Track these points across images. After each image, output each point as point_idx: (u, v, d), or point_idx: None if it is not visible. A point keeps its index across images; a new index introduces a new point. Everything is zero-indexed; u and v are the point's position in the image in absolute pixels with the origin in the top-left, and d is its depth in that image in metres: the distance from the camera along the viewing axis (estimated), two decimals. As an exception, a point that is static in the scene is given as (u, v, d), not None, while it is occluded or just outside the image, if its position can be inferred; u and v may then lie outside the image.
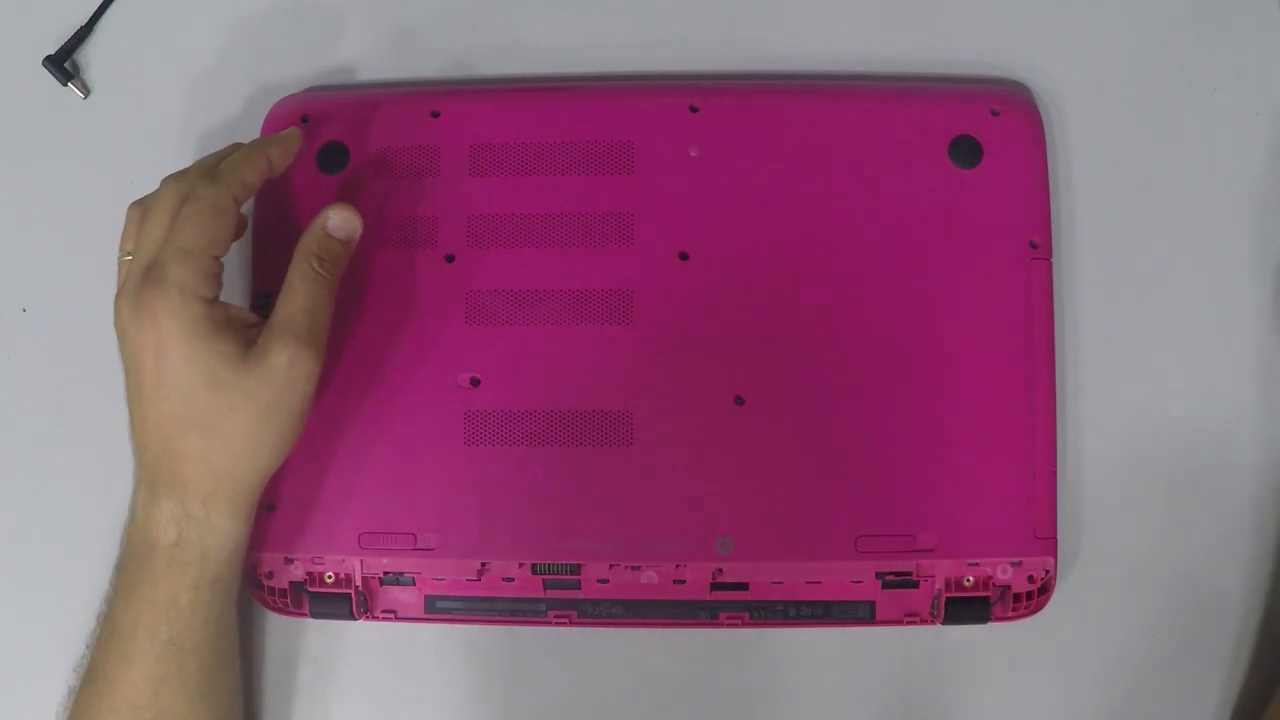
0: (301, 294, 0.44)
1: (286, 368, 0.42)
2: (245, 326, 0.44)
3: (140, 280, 0.42)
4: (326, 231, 0.45)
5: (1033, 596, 0.46)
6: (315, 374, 0.43)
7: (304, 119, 0.49)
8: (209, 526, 0.42)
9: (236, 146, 0.46)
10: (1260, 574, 0.48)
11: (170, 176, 0.44)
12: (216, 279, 0.43)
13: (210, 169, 0.44)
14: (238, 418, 0.42)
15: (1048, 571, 0.46)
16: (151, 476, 0.43)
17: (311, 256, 0.44)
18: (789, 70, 0.51)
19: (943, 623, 0.46)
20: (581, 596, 0.46)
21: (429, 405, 0.47)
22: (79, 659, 0.44)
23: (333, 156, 0.49)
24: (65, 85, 0.53)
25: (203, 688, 0.43)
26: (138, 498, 0.43)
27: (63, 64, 0.52)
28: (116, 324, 0.43)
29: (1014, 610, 0.46)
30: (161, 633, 0.42)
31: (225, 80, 0.52)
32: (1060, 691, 0.47)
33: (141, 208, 0.45)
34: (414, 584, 0.47)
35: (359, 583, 0.46)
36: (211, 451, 0.42)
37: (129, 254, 0.44)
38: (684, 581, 0.46)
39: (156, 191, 0.44)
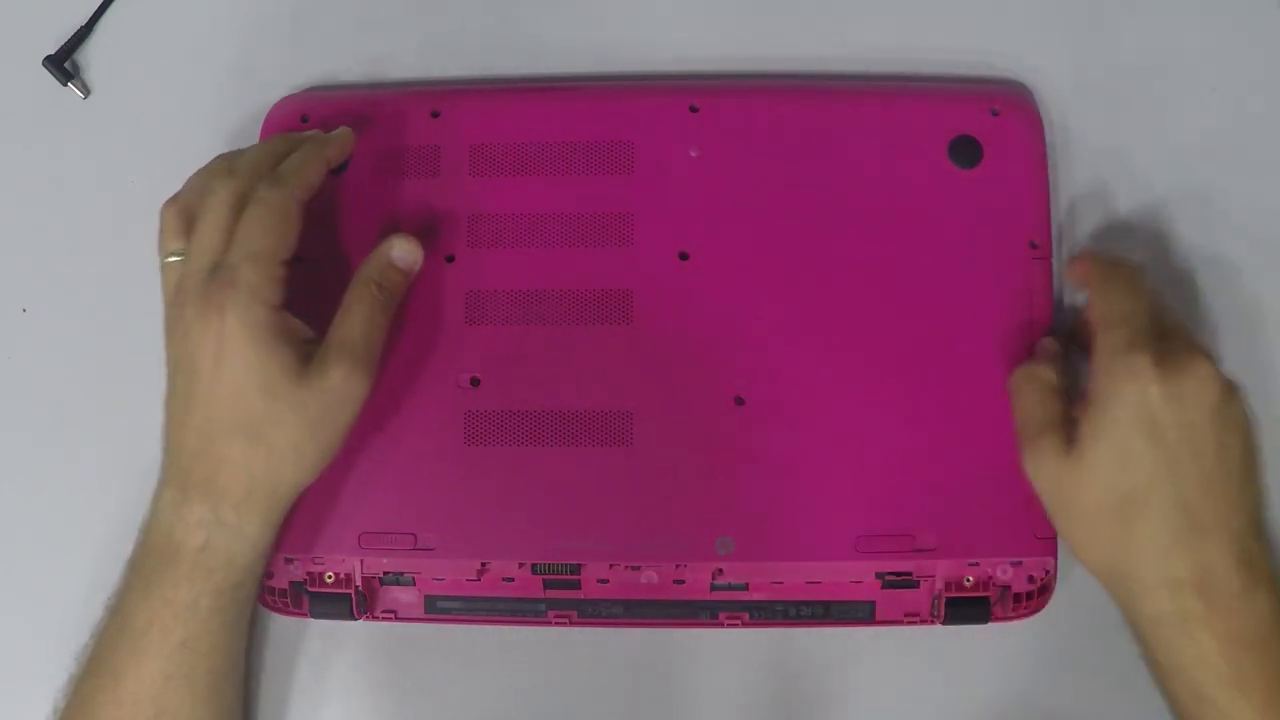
0: (359, 316, 0.44)
1: (341, 385, 0.42)
2: (304, 340, 0.43)
3: (206, 281, 0.41)
4: (389, 261, 0.45)
5: (1033, 596, 0.46)
6: (365, 395, 0.43)
7: (304, 119, 0.49)
8: (239, 533, 0.42)
9: (290, 141, 0.46)
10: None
11: (216, 176, 0.44)
12: (283, 285, 0.42)
13: (262, 167, 0.44)
14: (286, 429, 0.42)
15: (1048, 571, 0.45)
16: (183, 478, 0.42)
17: (372, 283, 0.44)
18: (789, 70, 0.51)
19: (943, 623, 0.46)
20: (581, 596, 0.46)
21: (429, 405, 0.46)
22: (81, 647, 0.44)
23: (333, 156, 0.49)
24: (65, 85, 0.53)
25: (209, 689, 0.43)
26: (163, 497, 0.43)
27: (63, 64, 0.52)
28: (173, 326, 0.43)
29: (1014, 610, 0.46)
30: (176, 634, 0.42)
31: (225, 80, 0.52)
32: (1060, 691, 0.47)
33: (180, 207, 0.44)
34: (414, 584, 0.47)
35: (359, 583, 0.46)
36: (254, 459, 0.42)
37: (175, 254, 0.44)
38: (684, 581, 0.46)
39: (204, 193, 0.43)
